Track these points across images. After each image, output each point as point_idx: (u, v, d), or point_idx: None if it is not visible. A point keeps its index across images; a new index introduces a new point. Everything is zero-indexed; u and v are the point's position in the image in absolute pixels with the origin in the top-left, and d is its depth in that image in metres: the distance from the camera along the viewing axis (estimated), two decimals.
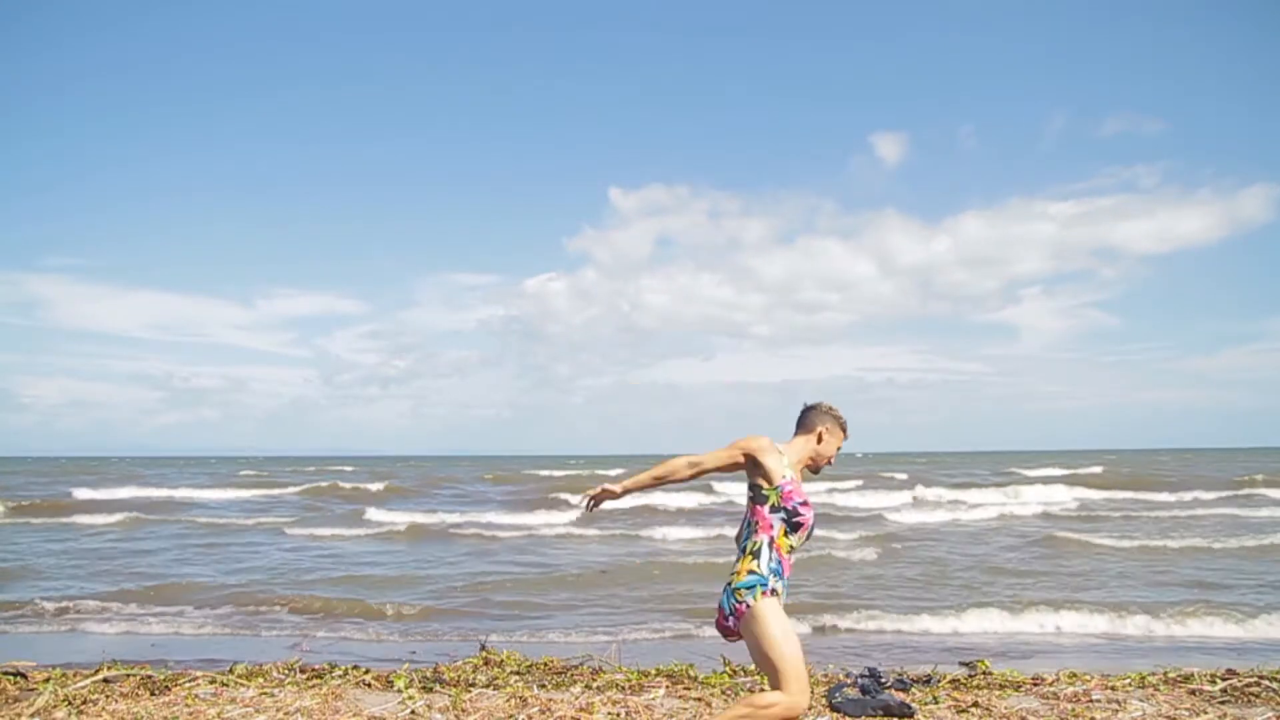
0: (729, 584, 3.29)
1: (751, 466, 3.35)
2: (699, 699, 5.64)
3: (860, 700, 5.31)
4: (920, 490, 31.80)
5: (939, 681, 6.10)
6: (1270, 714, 5.16)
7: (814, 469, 3.50)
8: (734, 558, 3.42)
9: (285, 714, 5.34)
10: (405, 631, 9.84)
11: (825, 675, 6.41)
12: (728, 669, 6.46)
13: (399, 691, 5.90)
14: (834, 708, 5.32)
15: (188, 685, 6.07)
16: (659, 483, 3.37)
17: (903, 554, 15.71)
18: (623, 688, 6.00)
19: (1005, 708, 5.36)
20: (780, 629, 3.16)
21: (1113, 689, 5.81)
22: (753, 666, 6.48)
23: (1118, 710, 5.28)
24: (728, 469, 3.34)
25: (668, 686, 5.98)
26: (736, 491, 34.12)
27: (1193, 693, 5.67)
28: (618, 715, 5.27)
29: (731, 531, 19.46)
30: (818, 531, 3.56)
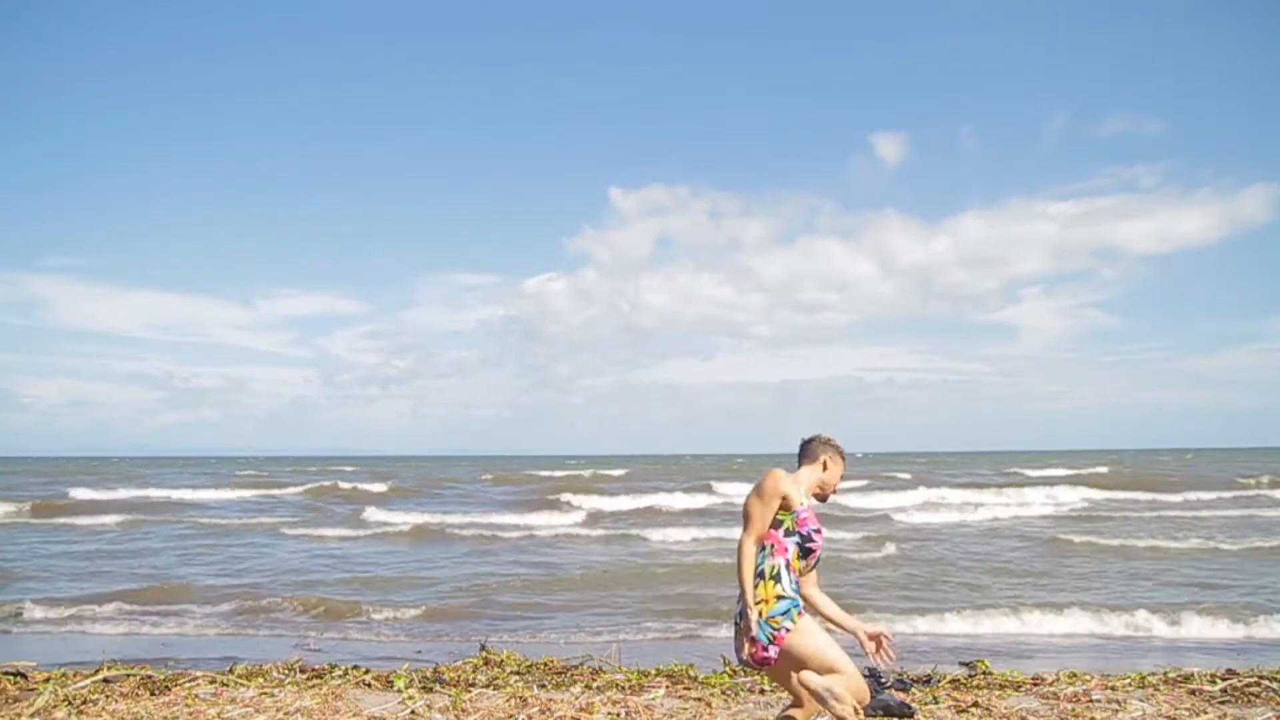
0: (758, 615, 3.29)
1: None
2: (699, 699, 5.64)
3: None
4: (925, 491, 31.76)
5: (939, 681, 6.10)
6: (1270, 714, 5.16)
7: (821, 497, 3.60)
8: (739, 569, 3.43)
9: (285, 714, 5.34)
10: (405, 632, 9.84)
11: None
12: (728, 669, 6.46)
13: (399, 691, 5.90)
14: None
15: (188, 685, 6.07)
16: (751, 576, 3.35)
17: (906, 554, 15.70)
18: (623, 688, 6.00)
19: (1005, 708, 5.36)
20: (822, 637, 3.30)
21: (1113, 689, 5.81)
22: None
23: (1118, 710, 5.28)
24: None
25: (668, 686, 5.98)
26: (736, 492, 34.11)
27: (1193, 693, 5.67)
28: (618, 715, 5.27)
29: (731, 533, 19.48)
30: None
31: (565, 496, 30.91)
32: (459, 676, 6.32)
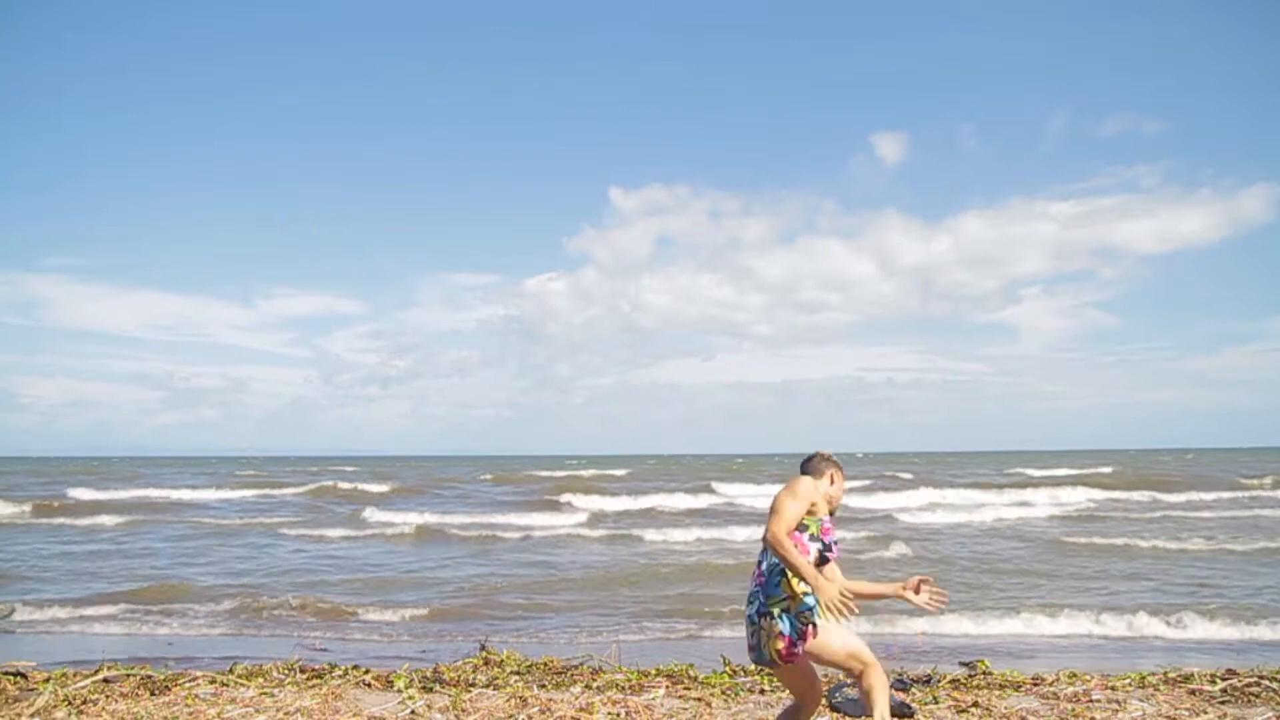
0: (785, 610, 3.33)
1: None
2: (699, 699, 5.64)
3: (859, 700, 5.30)
4: (928, 491, 31.74)
5: (939, 681, 6.10)
6: (1270, 714, 5.16)
7: (830, 511, 3.66)
8: (758, 577, 3.48)
9: (285, 714, 5.34)
10: (405, 632, 9.85)
11: (825, 675, 6.40)
12: (728, 669, 6.47)
13: (399, 691, 5.90)
14: (834, 708, 5.32)
15: (188, 685, 6.07)
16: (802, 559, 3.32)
17: (908, 554, 15.70)
18: (623, 688, 6.00)
19: (1005, 708, 5.36)
20: (844, 631, 3.41)
21: (1113, 689, 5.81)
22: (753, 667, 6.49)
23: (1118, 710, 5.28)
24: None
25: (668, 686, 5.98)
26: (737, 493, 34.14)
27: (1193, 693, 5.66)
28: (618, 715, 5.27)
29: (732, 533, 19.48)
30: None
31: (565, 497, 30.90)
32: (459, 676, 6.32)
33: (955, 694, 5.73)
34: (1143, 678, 6.08)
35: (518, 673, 6.50)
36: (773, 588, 3.37)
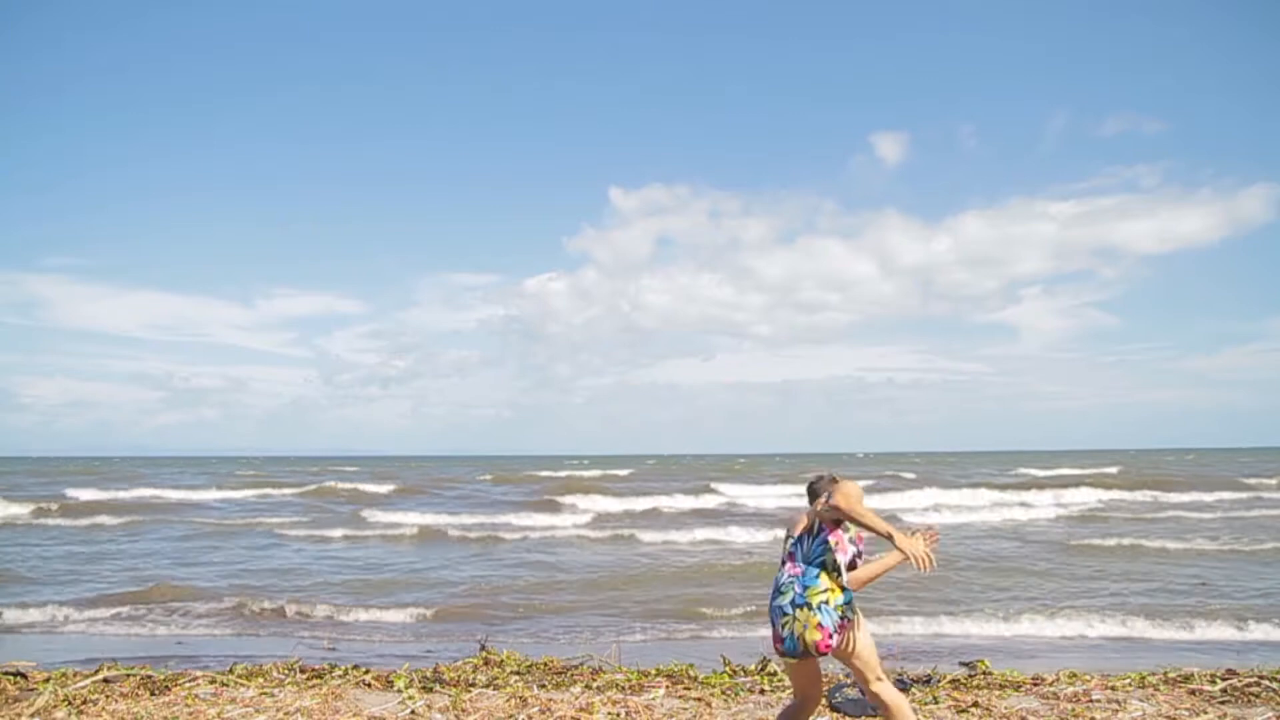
0: (824, 602, 3.42)
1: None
2: (699, 699, 5.64)
3: (859, 700, 5.30)
4: (933, 491, 31.72)
5: (939, 681, 6.09)
6: (1270, 714, 5.16)
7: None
8: (792, 569, 3.55)
9: (285, 714, 5.34)
10: (406, 632, 9.85)
11: (825, 675, 6.40)
12: (728, 669, 6.46)
13: (399, 691, 5.90)
14: (834, 708, 5.32)
15: (188, 685, 6.07)
16: (879, 524, 3.44)
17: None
18: (623, 688, 6.00)
19: (1005, 708, 5.36)
20: (868, 631, 3.60)
21: (1113, 689, 5.81)
22: (753, 666, 6.49)
23: (1118, 710, 5.28)
24: None
25: (668, 686, 5.98)
26: (736, 494, 34.12)
27: (1193, 693, 5.66)
28: (617, 715, 5.27)
29: (732, 534, 19.46)
30: None
31: (566, 497, 30.90)
32: (459, 676, 6.32)
33: (955, 694, 5.73)
34: (1143, 678, 6.07)
35: (518, 673, 6.50)
36: (811, 579, 3.45)
